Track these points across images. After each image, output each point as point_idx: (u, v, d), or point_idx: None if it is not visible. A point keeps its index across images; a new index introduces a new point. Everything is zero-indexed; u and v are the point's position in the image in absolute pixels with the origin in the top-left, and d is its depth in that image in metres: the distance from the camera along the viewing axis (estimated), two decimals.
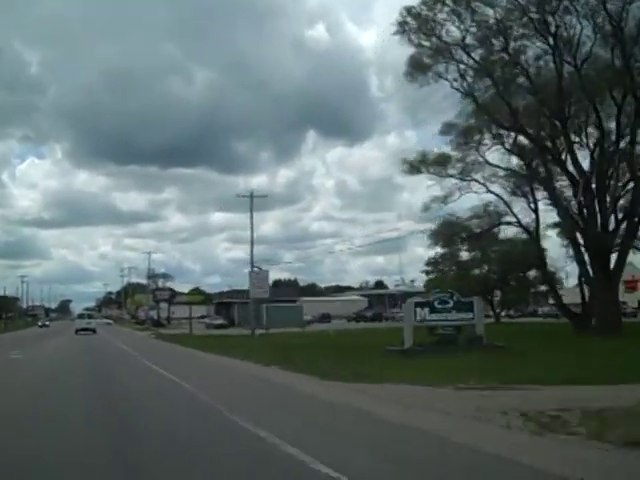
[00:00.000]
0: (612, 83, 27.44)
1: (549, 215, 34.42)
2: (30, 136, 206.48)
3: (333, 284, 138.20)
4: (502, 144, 31.89)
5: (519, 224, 34.86)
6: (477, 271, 46.76)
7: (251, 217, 50.53)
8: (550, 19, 27.14)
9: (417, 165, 34.46)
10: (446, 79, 29.50)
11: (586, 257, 29.41)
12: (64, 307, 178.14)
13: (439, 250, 43.12)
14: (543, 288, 46.64)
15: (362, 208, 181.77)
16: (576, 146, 30.04)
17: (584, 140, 30.69)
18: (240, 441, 7.39)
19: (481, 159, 33.83)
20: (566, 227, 31.07)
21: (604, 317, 27.40)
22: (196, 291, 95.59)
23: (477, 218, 34.52)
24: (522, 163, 33.30)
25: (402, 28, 28.63)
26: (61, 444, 7.28)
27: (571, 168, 29.67)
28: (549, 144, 30.46)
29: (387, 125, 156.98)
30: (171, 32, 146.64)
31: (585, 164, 30.06)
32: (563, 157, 30.20)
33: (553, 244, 41.22)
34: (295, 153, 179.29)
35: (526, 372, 12.94)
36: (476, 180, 34.37)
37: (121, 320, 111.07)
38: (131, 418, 9.43)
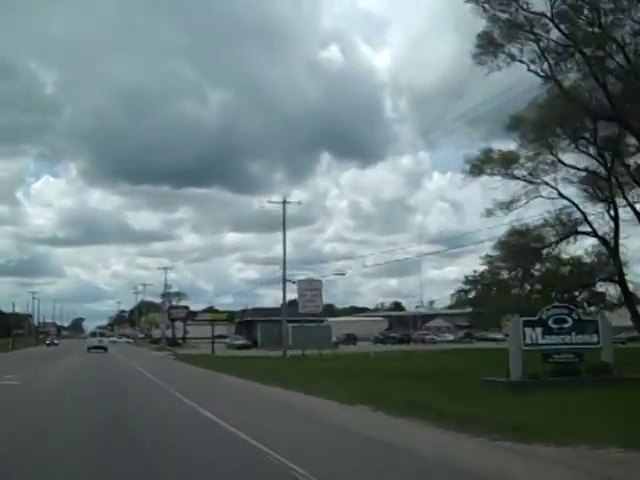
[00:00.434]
0: None
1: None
2: (45, 154, 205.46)
3: (347, 305, 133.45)
4: (584, 138, 27.55)
5: (594, 234, 30.39)
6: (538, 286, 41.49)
7: (284, 224, 49.94)
8: None
9: (479, 165, 30.35)
10: (521, 61, 25.29)
11: None
12: (77, 325, 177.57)
13: (479, 267, 36.65)
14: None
15: (375, 230, 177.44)
16: None
17: None
18: None
19: (553, 158, 29.62)
20: None
21: None
22: (211, 310, 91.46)
23: (550, 227, 30.00)
24: (598, 163, 29.07)
25: None
26: None
27: None
28: None
29: (400, 146, 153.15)
30: (186, 54, 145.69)
31: None
32: None
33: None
34: (309, 174, 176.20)
35: None
36: (547, 183, 30.17)
37: (136, 339, 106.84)
38: None
